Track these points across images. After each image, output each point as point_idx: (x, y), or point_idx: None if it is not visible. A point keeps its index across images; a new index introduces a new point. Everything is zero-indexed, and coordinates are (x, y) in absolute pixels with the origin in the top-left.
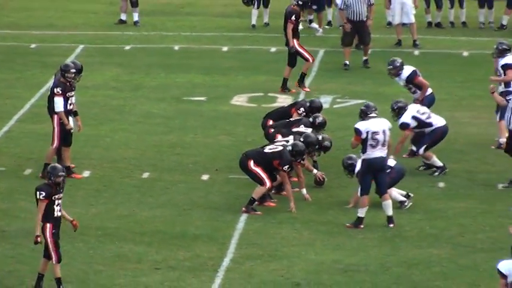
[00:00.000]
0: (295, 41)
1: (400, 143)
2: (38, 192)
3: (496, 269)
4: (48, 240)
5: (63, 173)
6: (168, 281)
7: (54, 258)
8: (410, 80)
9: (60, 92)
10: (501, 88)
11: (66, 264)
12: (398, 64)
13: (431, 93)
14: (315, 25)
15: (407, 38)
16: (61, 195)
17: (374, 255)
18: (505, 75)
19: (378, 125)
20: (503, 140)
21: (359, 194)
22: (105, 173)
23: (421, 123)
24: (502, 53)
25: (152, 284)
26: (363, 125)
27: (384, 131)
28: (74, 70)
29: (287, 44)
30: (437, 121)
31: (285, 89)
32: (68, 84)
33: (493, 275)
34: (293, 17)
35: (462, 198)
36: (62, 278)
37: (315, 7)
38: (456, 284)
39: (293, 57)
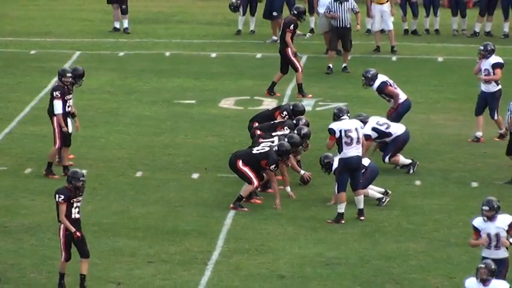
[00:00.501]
0: (289, 49)
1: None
2: (57, 195)
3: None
4: (61, 240)
5: (84, 178)
6: (160, 273)
7: (63, 256)
8: (381, 90)
9: (59, 95)
10: (493, 86)
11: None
12: (369, 75)
13: (407, 99)
14: (299, 32)
15: (386, 44)
16: (80, 198)
17: (354, 249)
18: (494, 73)
19: (349, 124)
20: (479, 134)
21: (336, 191)
22: (100, 172)
23: (381, 134)
24: (490, 53)
25: (145, 276)
26: (335, 125)
27: (356, 129)
28: (70, 75)
29: (280, 51)
30: (397, 129)
31: (271, 92)
32: (65, 87)
33: (466, 267)
34: (291, 27)
35: (437, 196)
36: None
37: (275, 14)
38: (432, 276)
39: (286, 64)
